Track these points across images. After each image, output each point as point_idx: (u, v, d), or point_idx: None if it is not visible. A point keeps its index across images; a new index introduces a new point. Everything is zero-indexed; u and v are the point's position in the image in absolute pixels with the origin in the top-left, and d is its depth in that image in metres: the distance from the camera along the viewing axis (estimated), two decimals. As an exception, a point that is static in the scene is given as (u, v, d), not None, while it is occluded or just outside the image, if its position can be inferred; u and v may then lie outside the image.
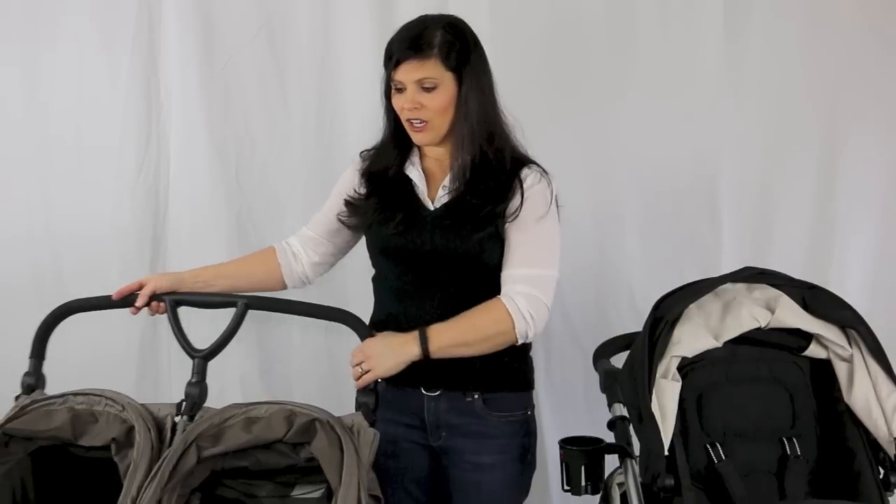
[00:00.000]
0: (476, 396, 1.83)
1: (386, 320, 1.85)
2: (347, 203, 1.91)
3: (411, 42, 1.75)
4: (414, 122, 1.79)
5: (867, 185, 2.45)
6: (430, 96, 1.76)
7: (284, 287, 1.97)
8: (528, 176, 1.81)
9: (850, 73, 2.43)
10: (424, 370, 1.77)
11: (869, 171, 2.45)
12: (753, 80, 2.43)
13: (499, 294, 1.79)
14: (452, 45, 1.76)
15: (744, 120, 2.44)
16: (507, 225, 1.79)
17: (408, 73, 1.75)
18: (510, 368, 1.86)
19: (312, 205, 2.28)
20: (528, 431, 1.90)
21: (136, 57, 2.41)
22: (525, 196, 1.79)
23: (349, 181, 1.94)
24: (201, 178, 2.43)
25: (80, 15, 2.40)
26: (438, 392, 1.84)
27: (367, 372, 1.70)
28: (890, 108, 2.44)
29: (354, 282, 2.18)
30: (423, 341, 1.72)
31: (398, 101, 1.79)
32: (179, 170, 2.43)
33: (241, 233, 2.44)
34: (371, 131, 1.89)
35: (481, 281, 1.80)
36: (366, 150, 1.94)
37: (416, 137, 1.82)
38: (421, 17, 1.80)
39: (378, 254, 1.88)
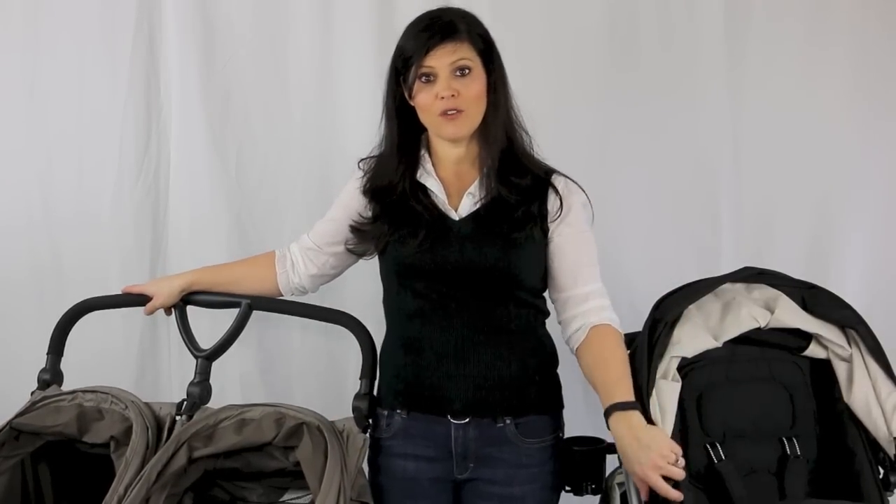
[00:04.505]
0: (508, 422, 1.72)
1: (405, 346, 1.75)
2: (354, 229, 1.82)
3: (442, 27, 1.67)
4: (449, 112, 1.68)
5: (867, 184, 2.45)
6: (466, 82, 1.68)
7: (280, 295, 1.94)
8: (567, 183, 1.77)
9: (851, 73, 2.43)
10: (451, 396, 1.71)
11: (869, 171, 2.45)
12: (754, 80, 2.43)
13: (537, 309, 1.77)
14: (478, 32, 1.71)
15: (744, 120, 2.44)
16: (556, 231, 1.73)
17: (442, 56, 1.66)
18: (541, 388, 1.77)
19: (312, 205, 2.28)
20: (558, 456, 1.79)
21: (136, 57, 2.41)
22: (566, 201, 1.74)
23: (353, 195, 1.84)
24: (201, 178, 2.42)
25: (80, 15, 2.39)
26: (467, 419, 1.72)
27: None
28: (891, 107, 2.44)
29: (353, 282, 2.17)
30: (634, 406, 1.60)
31: (428, 94, 1.69)
32: (179, 170, 2.42)
33: (241, 233, 2.44)
34: (371, 132, 1.84)
35: (509, 297, 1.72)
36: (363, 160, 1.85)
37: (450, 129, 1.71)
38: (435, 9, 1.75)
39: (394, 275, 1.76)
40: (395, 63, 1.73)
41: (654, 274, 2.28)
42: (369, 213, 1.81)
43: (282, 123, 2.45)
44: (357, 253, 1.85)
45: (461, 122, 1.70)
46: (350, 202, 1.85)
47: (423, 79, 1.69)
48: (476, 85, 1.70)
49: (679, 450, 1.56)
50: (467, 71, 1.69)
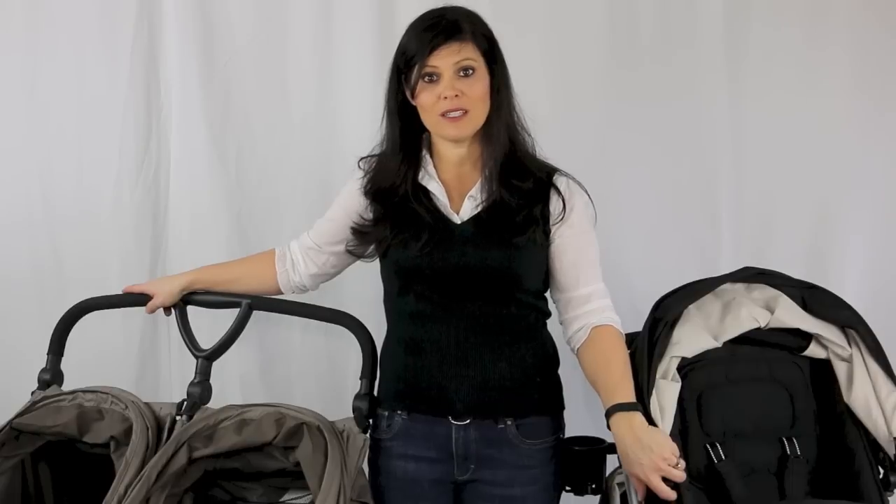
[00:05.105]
0: (509, 423, 1.72)
1: (406, 347, 1.75)
2: (355, 231, 1.81)
3: (446, 26, 1.66)
4: (451, 112, 1.67)
5: (867, 185, 2.45)
6: (470, 82, 1.67)
7: (281, 293, 1.94)
8: (569, 183, 1.76)
9: (851, 72, 2.43)
10: (452, 397, 1.70)
11: (869, 171, 2.45)
12: (753, 81, 2.43)
13: (539, 310, 1.77)
14: (482, 32, 1.70)
15: (744, 120, 2.44)
16: (557, 232, 1.73)
17: (447, 56, 1.65)
18: (542, 390, 1.77)
19: (312, 205, 2.28)
20: (559, 457, 1.79)
21: (136, 57, 2.41)
22: (569, 202, 1.73)
23: (353, 195, 1.83)
24: (201, 178, 2.42)
25: (80, 15, 2.39)
26: (468, 421, 1.72)
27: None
28: (891, 106, 2.44)
29: (353, 282, 2.17)
30: (635, 407, 1.61)
31: (431, 94, 1.67)
32: (179, 170, 2.42)
33: (241, 233, 2.44)
34: (371, 132, 1.84)
35: (510, 299, 1.72)
36: (363, 159, 1.84)
37: (452, 131, 1.70)
38: (439, 8, 1.72)
39: (395, 277, 1.75)
40: (398, 62, 1.72)
41: (655, 274, 2.28)
42: (370, 215, 1.81)
43: (282, 123, 2.45)
44: (356, 255, 1.85)
45: (464, 124, 1.69)
46: (350, 203, 1.84)
47: (426, 78, 1.68)
48: (480, 85, 1.69)
49: (678, 452, 1.56)
50: (471, 71, 1.67)
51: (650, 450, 1.54)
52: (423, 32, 1.67)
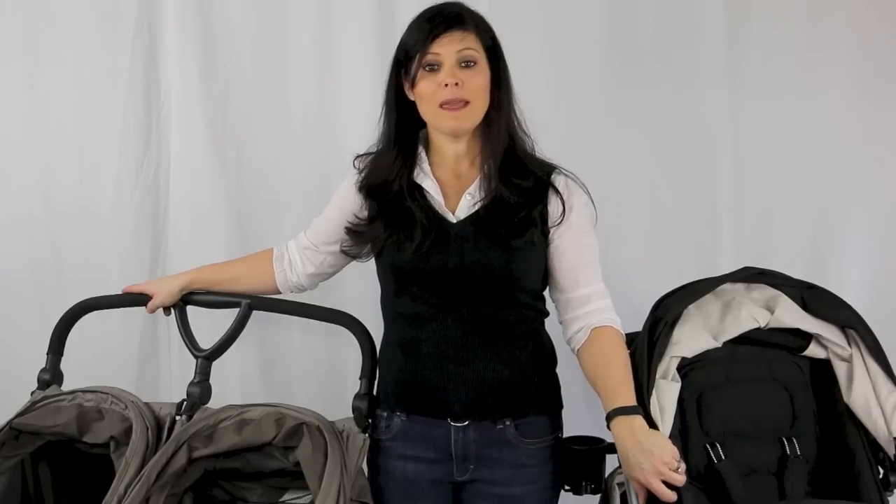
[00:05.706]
0: (507, 423, 1.71)
1: (403, 348, 1.74)
2: (350, 231, 1.80)
3: (448, 17, 1.66)
4: (452, 103, 1.66)
5: (867, 185, 2.45)
6: (470, 73, 1.65)
7: (279, 293, 1.94)
8: (568, 183, 1.75)
9: (852, 72, 2.43)
10: (451, 400, 1.70)
11: (869, 171, 2.45)
12: (753, 81, 2.43)
13: (537, 310, 1.76)
14: (485, 29, 1.70)
15: (744, 120, 2.44)
16: (556, 233, 1.72)
17: (448, 44, 1.64)
18: (541, 389, 1.76)
19: (312, 205, 2.27)
20: (558, 457, 1.79)
21: (136, 57, 2.41)
22: (568, 202, 1.72)
23: (349, 193, 1.82)
24: (201, 178, 2.42)
25: (80, 15, 2.40)
26: (467, 422, 1.71)
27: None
28: (892, 106, 2.44)
29: (352, 282, 2.17)
30: (636, 411, 1.60)
31: (431, 82, 1.66)
32: (179, 170, 2.43)
33: (240, 233, 2.44)
34: (371, 132, 1.83)
35: (509, 300, 1.71)
36: (359, 157, 1.83)
37: (452, 122, 1.68)
38: (440, 3, 1.71)
39: (391, 277, 1.74)
40: (398, 55, 1.71)
41: (654, 274, 2.28)
42: (365, 214, 1.80)
43: (282, 123, 2.45)
44: (351, 255, 1.84)
45: (464, 115, 1.67)
46: (345, 201, 1.83)
47: (427, 67, 1.66)
48: (480, 77, 1.68)
49: (679, 456, 1.56)
50: (472, 63, 1.67)
51: (651, 453, 1.54)
52: (424, 23, 1.67)
